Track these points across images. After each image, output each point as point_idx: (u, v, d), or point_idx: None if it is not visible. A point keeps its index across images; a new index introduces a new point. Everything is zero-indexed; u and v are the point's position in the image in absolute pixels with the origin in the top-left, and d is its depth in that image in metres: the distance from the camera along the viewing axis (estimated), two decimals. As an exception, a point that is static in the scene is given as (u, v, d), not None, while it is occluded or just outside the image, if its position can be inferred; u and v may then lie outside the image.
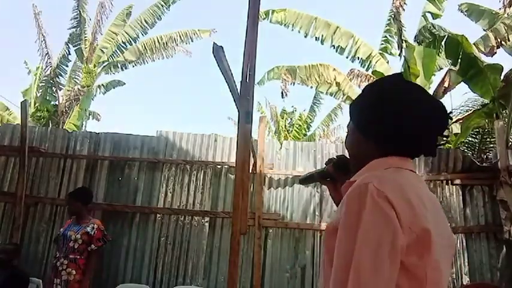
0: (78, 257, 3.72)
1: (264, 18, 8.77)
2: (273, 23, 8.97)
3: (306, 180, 1.55)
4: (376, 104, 1.00)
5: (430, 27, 6.65)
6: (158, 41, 11.30)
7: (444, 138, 1.00)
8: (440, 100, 1.03)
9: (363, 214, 0.81)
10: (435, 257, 0.84)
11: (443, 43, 6.23)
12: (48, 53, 11.67)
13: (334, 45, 8.63)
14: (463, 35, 6.09)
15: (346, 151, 1.14)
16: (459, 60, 6.10)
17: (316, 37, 8.67)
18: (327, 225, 0.95)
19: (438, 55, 7.88)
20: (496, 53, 7.16)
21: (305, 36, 8.77)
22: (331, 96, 9.54)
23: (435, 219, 0.91)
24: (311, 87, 9.48)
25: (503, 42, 7.09)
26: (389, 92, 1.01)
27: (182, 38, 11.34)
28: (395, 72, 1.15)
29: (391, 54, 9.04)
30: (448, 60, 6.98)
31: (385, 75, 8.08)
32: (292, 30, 8.83)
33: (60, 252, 3.75)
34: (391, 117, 0.97)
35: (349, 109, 1.10)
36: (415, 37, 6.87)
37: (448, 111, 1.01)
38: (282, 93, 8.76)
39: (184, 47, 12.03)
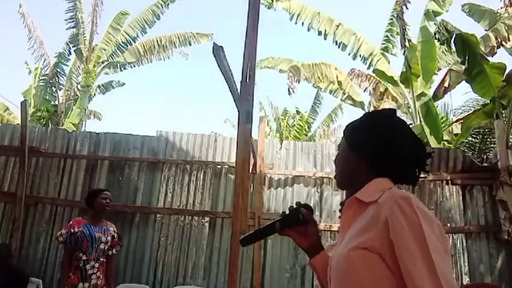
0: (104, 260, 3.58)
1: (268, 8, 8.73)
2: (277, 11, 8.92)
3: (253, 236, 1.32)
4: (378, 130, 1.10)
5: (446, 24, 6.61)
6: (158, 42, 11.32)
7: (425, 173, 1.12)
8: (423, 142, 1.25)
9: (421, 223, 0.89)
10: (449, 258, 0.95)
11: (453, 41, 6.20)
12: (44, 53, 11.64)
13: (336, 41, 8.60)
14: (473, 34, 6.07)
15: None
16: (466, 59, 6.08)
17: (319, 31, 8.64)
18: (351, 248, 0.95)
19: (447, 53, 7.88)
20: (496, 52, 7.16)
21: (308, 30, 8.75)
22: (331, 94, 9.49)
23: None
24: (313, 85, 9.45)
25: (503, 42, 7.08)
26: (390, 122, 1.12)
27: (181, 41, 11.37)
28: (392, 108, 1.29)
29: (392, 54, 9.04)
30: (456, 59, 6.97)
31: (386, 74, 8.13)
32: (296, 23, 8.80)
33: (88, 254, 3.47)
34: (391, 144, 1.07)
35: (347, 131, 1.18)
36: (434, 34, 6.82)
37: (429, 152, 1.13)
38: (288, 89, 8.69)
39: (182, 50, 12.06)
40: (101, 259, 3.54)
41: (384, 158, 1.06)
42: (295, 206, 1.26)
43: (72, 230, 3.53)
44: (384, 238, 0.90)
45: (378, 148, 1.07)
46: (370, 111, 1.31)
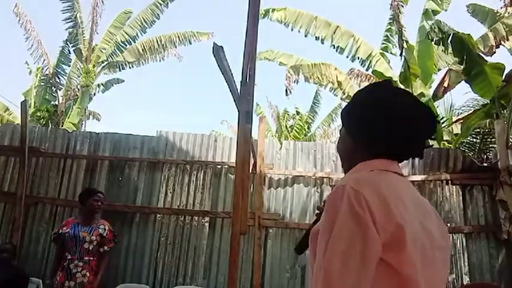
0: (92, 258, 3.69)
1: (263, 17, 8.74)
2: (272, 21, 8.96)
3: (302, 245, 1.20)
4: (364, 108, 1.04)
5: (440, 24, 6.62)
6: (158, 42, 11.33)
7: (431, 142, 1.02)
8: (428, 105, 1.12)
9: (338, 215, 0.84)
10: (411, 253, 0.85)
11: (449, 41, 6.22)
12: (42, 54, 11.64)
13: (334, 45, 8.61)
14: (469, 34, 6.08)
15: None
16: (464, 59, 6.08)
17: (316, 36, 8.65)
18: (313, 228, 0.97)
19: (446, 53, 7.89)
20: (495, 52, 7.16)
21: (305, 36, 8.76)
22: (331, 91, 9.46)
23: (418, 219, 0.92)
24: (314, 83, 9.42)
25: (502, 42, 7.09)
26: (377, 96, 1.04)
27: (181, 40, 11.38)
28: (385, 79, 1.20)
29: (391, 53, 9.04)
30: (455, 59, 6.98)
31: (385, 75, 8.13)
32: (292, 30, 8.82)
33: (72, 253, 3.65)
34: (378, 121, 1.00)
35: (341, 114, 1.14)
36: (427, 34, 6.83)
37: (435, 116, 1.03)
38: (286, 91, 8.64)
39: (180, 49, 12.11)
40: (86, 258, 3.65)
41: (376, 138, 1.01)
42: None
43: (61, 231, 3.74)
44: None
45: (369, 128, 1.01)
46: (361, 88, 1.23)
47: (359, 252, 0.80)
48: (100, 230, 3.78)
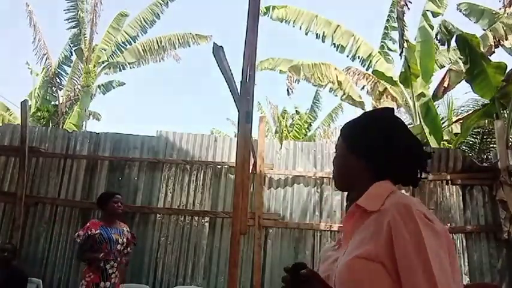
0: (120, 259, 3.80)
1: (264, 14, 8.74)
2: (273, 19, 8.97)
3: None
4: (381, 136, 1.08)
5: (445, 23, 6.61)
6: (158, 43, 11.36)
7: (426, 174, 1.11)
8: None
9: (422, 232, 0.88)
10: (455, 260, 0.94)
11: (454, 41, 6.23)
12: (46, 53, 11.65)
13: (334, 44, 8.62)
14: (474, 34, 6.08)
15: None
16: (468, 59, 6.09)
17: (317, 34, 8.67)
18: (354, 257, 0.93)
19: (448, 53, 7.88)
20: (494, 52, 7.16)
21: (306, 34, 8.77)
22: (331, 91, 9.45)
23: None
24: (312, 84, 9.42)
25: (501, 42, 7.09)
26: (391, 126, 1.11)
27: (180, 42, 11.42)
28: (390, 107, 1.27)
29: (390, 49, 9.05)
30: (455, 57, 6.98)
31: (386, 74, 8.12)
32: (294, 26, 8.83)
33: (107, 255, 3.68)
34: (394, 150, 1.06)
35: (344, 131, 1.15)
36: (436, 34, 6.84)
37: (428, 152, 1.13)
38: (287, 90, 8.65)
39: (180, 50, 12.13)
40: (118, 259, 3.75)
41: (384, 161, 1.05)
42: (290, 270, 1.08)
43: (89, 232, 3.71)
44: (386, 248, 0.90)
45: (378, 151, 1.05)
46: (369, 110, 1.28)
47: (447, 260, 0.89)
48: (126, 233, 3.87)
